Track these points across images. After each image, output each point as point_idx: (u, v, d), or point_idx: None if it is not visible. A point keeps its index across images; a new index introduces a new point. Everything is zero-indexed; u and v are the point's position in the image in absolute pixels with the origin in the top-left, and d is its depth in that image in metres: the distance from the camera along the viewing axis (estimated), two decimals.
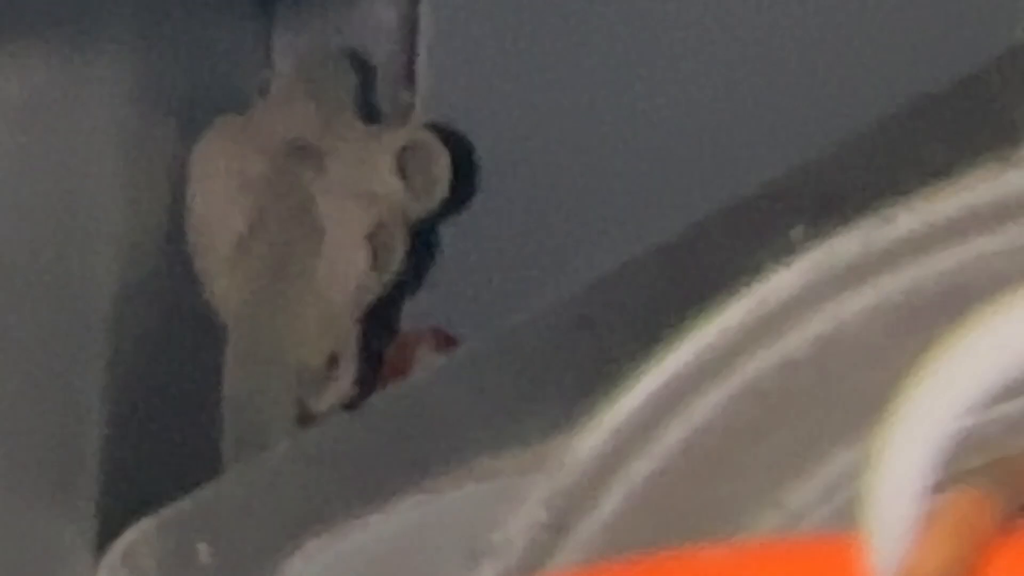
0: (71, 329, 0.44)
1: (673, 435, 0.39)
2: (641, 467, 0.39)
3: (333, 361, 0.53)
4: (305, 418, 0.55)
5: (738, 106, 0.60)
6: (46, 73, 0.40)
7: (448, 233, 0.58)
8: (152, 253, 0.48)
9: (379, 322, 0.60)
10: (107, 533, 0.43)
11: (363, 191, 0.52)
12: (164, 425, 0.49)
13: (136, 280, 0.46)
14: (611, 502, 0.39)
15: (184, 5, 0.53)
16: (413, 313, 0.62)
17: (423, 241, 0.59)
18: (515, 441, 0.44)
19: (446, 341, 0.58)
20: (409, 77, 0.61)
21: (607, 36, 0.68)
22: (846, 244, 0.38)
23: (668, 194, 0.57)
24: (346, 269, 0.52)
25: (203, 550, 0.44)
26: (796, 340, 0.39)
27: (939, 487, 0.22)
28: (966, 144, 0.43)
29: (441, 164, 0.55)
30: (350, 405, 0.57)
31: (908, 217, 0.38)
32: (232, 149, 0.51)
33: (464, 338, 0.59)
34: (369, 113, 0.55)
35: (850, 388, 0.38)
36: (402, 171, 0.53)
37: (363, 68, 0.57)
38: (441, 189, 0.55)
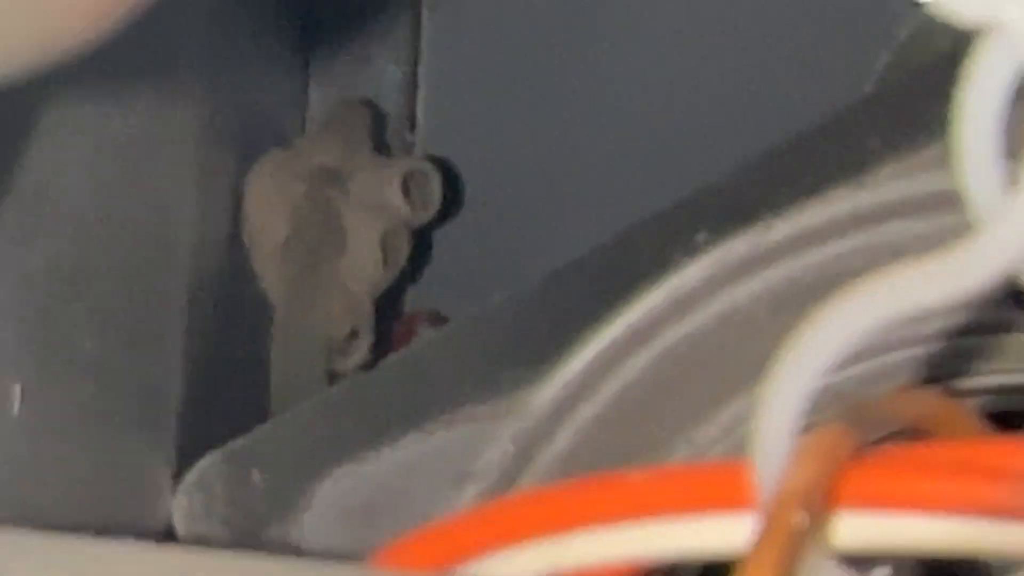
0: (160, 307, 0.47)
1: (610, 388, 0.44)
2: (586, 411, 0.44)
3: (354, 334, 0.57)
4: (333, 376, 0.58)
5: (683, 155, 0.61)
6: (143, 116, 0.42)
7: (440, 237, 0.63)
8: (218, 251, 0.51)
9: (388, 305, 0.62)
10: (184, 464, 0.45)
11: (376, 206, 0.55)
12: (227, 381, 0.53)
13: (207, 271, 0.50)
14: (563, 439, 0.44)
15: (243, 67, 0.55)
16: (414, 298, 0.66)
17: (421, 243, 0.61)
18: (492, 393, 0.44)
19: (439, 319, 0.63)
20: (411, 121, 0.65)
21: (569, 104, 0.68)
22: (737, 246, 0.43)
23: (613, 201, 0.58)
24: (363, 265, 0.55)
25: (256, 475, 0.45)
26: (701, 317, 0.44)
27: (808, 427, 0.23)
28: (829, 169, 0.45)
29: (435, 186, 0.59)
30: (366, 367, 0.58)
31: (784, 225, 0.43)
32: (277, 175, 0.54)
33: (453, 316, 0.62)
34: (380, 147, 0.58)
35: (742, 353, 0.43)
36: (406, 191, 0.57)
37: (376, 114, 0.61)
38: (434, 204, 0.59)
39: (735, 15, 0.69)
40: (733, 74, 0.65)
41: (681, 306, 0.43)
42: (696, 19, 0.69)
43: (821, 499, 0.23)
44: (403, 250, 0.60)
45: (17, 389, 0.38)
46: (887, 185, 0.43)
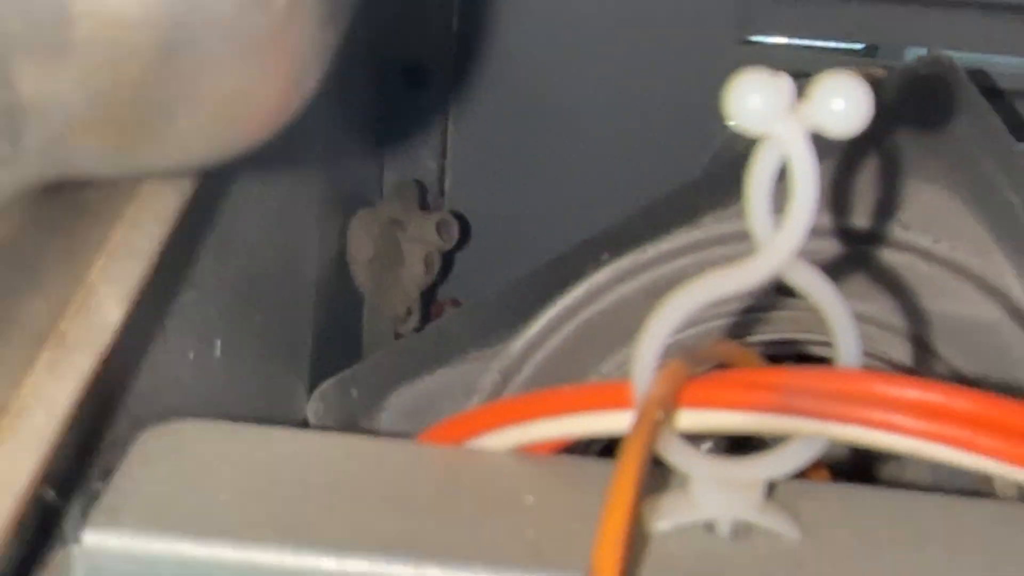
0: (299, 297, 0.50)
1: (553, 342, 0.50)
2: (539, 355, 0.49)
3: (408, 312, 0.62)
4: (397, 336, 0.62)
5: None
6: (290, 185, 0.46)
7: (458, 259, 0.65)
8: (332, 265, 0.55)
9: (428, 295, 0.65)
10: (313, 386, 0.49)
11: (421, 240, 0.61)
12: (337, 339, 0.56)
13: (326, 276, 0.53)
14: (527, 370, 0.49)
15: (347, 161, 0.58)
16: (443, 292, 0.68)
17: (446, 261, 0.64)
18: (486, 344, 0.49)
19: (456, 303, 0.67)
20: (441, 191, 0.65)
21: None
22: (624, 262, 0.49)
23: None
24: (413, 274, 0.60)
25: (353, 392, 0.49)
26: (604, 302, 0.49)
27: (663, 363, 0.27)
28: (679, 216, 0.49)
29: (455, 229, 0.63)
30: (416, 331, 0.62)
31: (651, 249, 0.48)
32: (366, 222, 0.58)
33: (465, 301, 0.66)
34: (424, 206, 0.62)
35: (627, 322, 0.44)
36: (439, 231, 0.62)
37: (421, 187, 0.63)
38: (454, 239, 0.63)
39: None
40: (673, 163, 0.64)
41: (593, 296, 0.49)
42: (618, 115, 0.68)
43: (670, 402, 0.27)
44: (436, 265, 0.64)
45: (218, 342, 0.40)
46: (710, 226, 0.48)
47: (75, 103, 0.18)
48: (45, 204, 0.22)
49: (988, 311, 0.42)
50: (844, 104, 0.24)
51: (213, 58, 0.18)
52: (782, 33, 0.64)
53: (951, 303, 0.42)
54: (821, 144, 0.24)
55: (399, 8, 0.61)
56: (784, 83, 0.24)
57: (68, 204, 0.24)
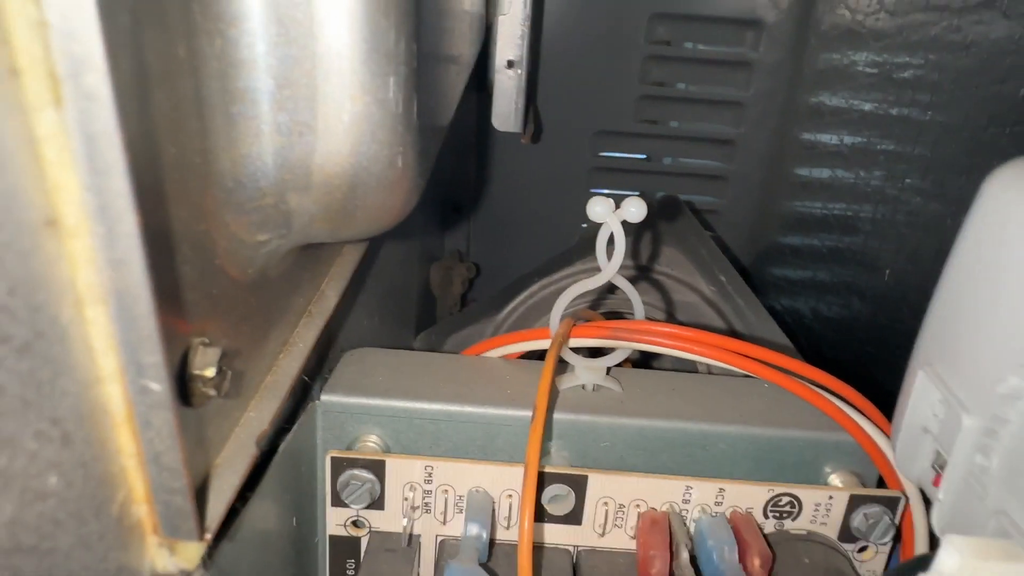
0: (410, 297, 0.44)
1: (516, 315, 0.44)
2: (510, 320, 0.43)
3: (455, 305, 0.55)
4: (450, 314, 0.55)
5: None
6: (404, 249, 0.41)
7: (476, 283, 0.58)
8: (423, 285, 0.49)
9: (463, 298, 0.57)
10: (415, 334, 0.45)
11: (459, 274, 0.54)
12: (427, 317, 0.50)
13: (420, 289, 0.48)
14: (505, 327, 0.43)
15: (427, 240, 0.52)
16: (469, 297, 0.58)
17: (470, 284, 0.57)
18: (487, 316, 0.43)
19: (475, 301, 0.58)
20: (467, 253, 0.58)
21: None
22: (544, 280, 0.43)
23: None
24: (456, 289, 0.54)
25: (433, 337, 0.44)
26: (536, 298, 0.43)
27: (564, 321, 0.25)
28: (568, 261, 0.43)
29: (473, 270, 0.57)
30: (458, 312, 0.55)
31: (556, 275, 0.43)
32: (437, 266, 0.54)
33: (477, 300, 0.58)
34: (461, 260, 0.56)
35: (546, 306, 0.42)
36: (467, 271, 0.56)
37: (459, 252, 0.57)
38: (473, 274, 0.56)
39: None
40: None
41: (531, 295, 0.43)
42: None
43: (566, 335, 0.25)
44: (466, 286, 0.57)
45: (376, 316, 0.35)
46: (579, 265, 0.43)
47: (313, 211, 0.17)
48: (302, 252, 0.21)
49: (692, 297, 0.40)
50: (636, 210, 0.23)
51: (372, 190, 0.17)
52: (607, 185, 0.58)
53: (679, 294, 0.40)
54: (628, 227, 0.23)
55: (450, 176, 0.56)
56: (611, 200, 0.23)
57: (312, 252, 0.23)
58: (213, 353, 0.15)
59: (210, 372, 0.15)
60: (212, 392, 0.15)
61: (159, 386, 0.13)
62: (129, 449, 0.13)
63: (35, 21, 0.10)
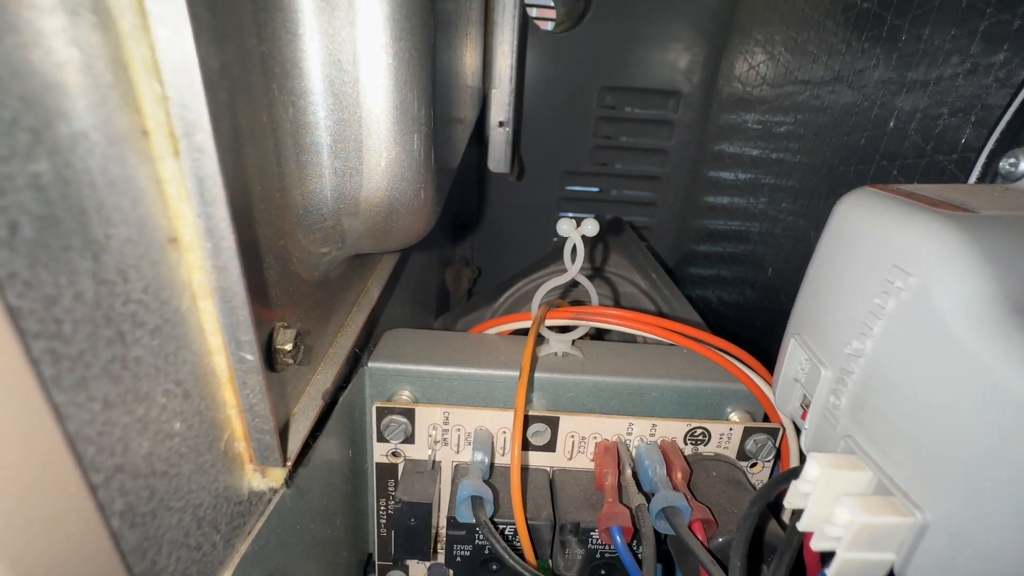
0: (430, 290, 0.43)
1: (506, 304, 0.39)
2: (502, 308, 0.39)
3: (463, 297, 0.52)
4: (459, 304, 0.52)
5: None
6: (425, 258, 0.37)
7: (479, 281, 0.54)
8: (440, 285, 0.45)
9: (469, 292, 0.55)
10: (436, 317, 0.41)
11: (466, 276, 0.51)
12: (443, 303, 0.46)
13: (436, 284, 0.43)
14: (499, 313, 0.39)
15: (440, 250, 0.49)
16: (476, 290, 0.54)
17: (473, 283, 0.55)
18: (486, 305, 0.40)
19: (477, 295, 0.51)
20: (471, 259, 0.56)
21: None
22: (526, 279, 0.40)
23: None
24: (463, 287, 0.51)
25: (448, 320, 0.40)
26: (519, 292, 0.40)
27: (541, 306, 0.24)
28: (541, 265, 0.42)
29: (476, 272, 0.53)
30: (465, 302, 0.50)
31: (532, 276, 0.40)
32: (450, 270, 0.51)
33: (479, 294, 0.52)
34: (468, 262, 0.53)
35: (527, 298, 0.38)
36: (472, 273, 0.53)
37: (465, 260, 0.54)
38: (476, 275, 0.53)
39: None
40: None
41: (517, 289, 0.41)
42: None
43: (543, 317, 0.24)
44: (472, 284, 0.54)
45: (407, 306, 0.33)
46: (551, 268, 0.41)
47: (360, 231, 0.17)
48: (353, 260, 0.21)
49: (632, 289, 0.38)
50: (591, 227, 0.22)
51: (402, 216, 0.17)
52: (571, 210, 0.55)
53: (623, 287, 0.37)
54: (586, 240, 0.23)
55: (459, 204, 0.53)
56: (573, 221, 0.23)
57: (359, 260, 0.22)
58: (290, 333, 0.15)
59: (289, 346, 0.15)
60: (290, 361, 0.15)
61: (252, 356, 0.13)
62: (232, 402, 0.14)
63: (159, 96, 0.10)
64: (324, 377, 0.18)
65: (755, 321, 0.38)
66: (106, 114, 0.09)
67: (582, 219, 0.22)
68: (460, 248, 0.57)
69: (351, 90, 0.14)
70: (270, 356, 0.14)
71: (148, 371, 0.11)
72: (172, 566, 0.12)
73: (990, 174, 0.17)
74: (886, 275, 0.13)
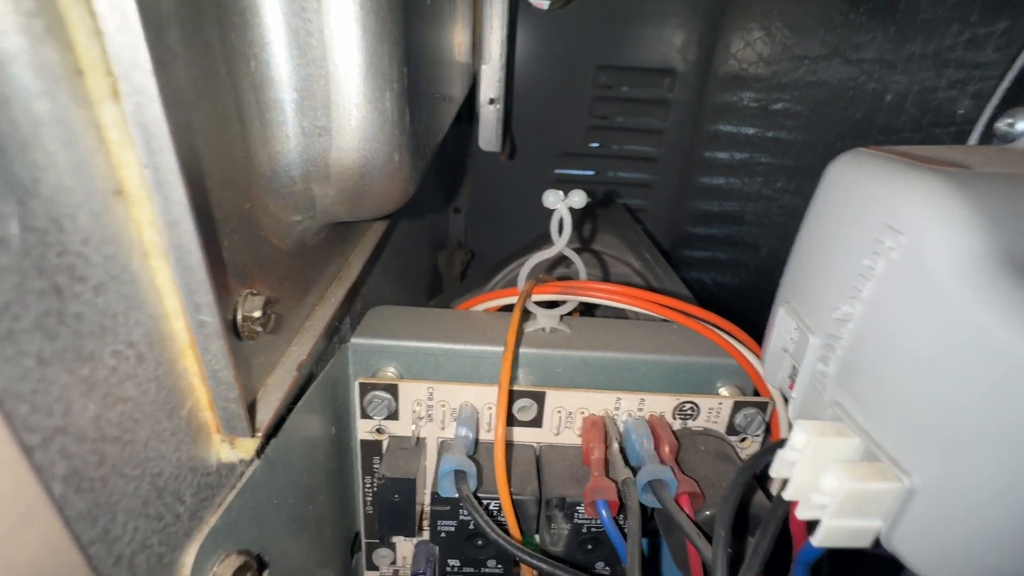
0: (420, 272, 0.40)
1: (500, 283, 0.38)
2: (503, 281, 0.38)
3: (457, 279, 0.51)
4: (453, 284, 0.51)
5: None
6: (416, 240, 0.36)
7: (472, 264, 0.54)
8: (433, 267, 0.44)
9: (462, 274, 0.53)
10: (428, 300, 0.41)
11: (460, 258, 0.51)
12: (435, 285, 0.45)
13: (429, 267, 0.43)
14: (502, 283, 0.38)
15: (435, 221, 0.48)
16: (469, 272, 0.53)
17: (467, 265, 0.54)
18: (479, 286, 0.39)
19: (470, 276, 0.50)
20: (465, 242, 0.55)
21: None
22: (518, 259, 0.39)
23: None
24: (456, 269, 0.50)
25: (441, 301, 0.39)
26: (513, 270, 0.38)
27: (528, 282, 0.23)
28: (533, 245, 0.40)
29: (470, 254, 0.53)
30: (459, 283, 0.50)
31: (521, 257, 0.38)
32: (443, 252, 0.50)
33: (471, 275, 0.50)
34: (460, 246, 0.52)
35: (517, 276, 0.43)
36: (465, 255, 0.52)
37: (459, 242, 0.53)
38: (469, 257, 0.53)
39: None
40: None
41: (510, 271, 0.39)
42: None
43: (530, 292, 0.23)
44: (464, 266, 0.54)
45: (387, 286, 0.31)
46: (542, 247, 0.34)
47: (332, 196, 0.16)
48: (333, 231, 0.20)
49: (625, 270, 0.37)
50: (578, 199, 0.22)
51: (376, 179, 0.16)
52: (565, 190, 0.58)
53: (615, 268, 0.37)
54: (575, 213, 0.23)
55: (452, 187, 0.53)
56: (560, 192, 0.22)
57: (340, 230, 0.21)
58: (259, 300, 0.14)
59: (257, 313, 0.14)
60: (259, 329, 0.14)
61: (211, 319, 0.12)
62: (194, 369, 0.13)
63: (92, 29, 0.09)
64: (300, 349, 0.17)
65: (750, 302, 0.37)
66: (28, 44, 0.08)
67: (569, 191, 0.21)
68: (453, 231, 0.57)
69: (316, 41, 0.14)
70: (236, 324, 0.14)
71: (92, 329, 0.10)
72: (128, 535, 0.11)
73: (987, 138, 0.16)
74: (876, 235, 0.13)
